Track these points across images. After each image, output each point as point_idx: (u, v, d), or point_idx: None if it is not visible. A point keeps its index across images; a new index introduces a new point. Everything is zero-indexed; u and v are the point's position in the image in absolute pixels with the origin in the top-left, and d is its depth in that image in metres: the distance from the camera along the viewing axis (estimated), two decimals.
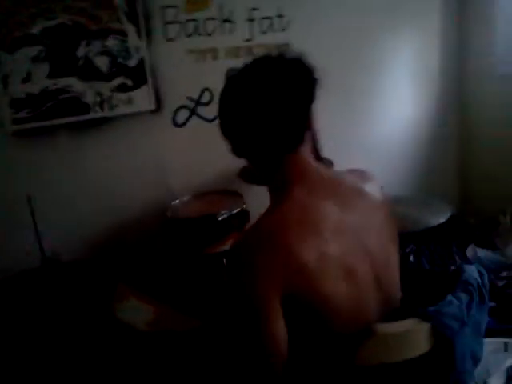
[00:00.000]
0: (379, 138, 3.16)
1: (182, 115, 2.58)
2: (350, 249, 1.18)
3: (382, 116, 3.18)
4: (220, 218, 2.17)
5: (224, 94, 1.29)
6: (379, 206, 1.31)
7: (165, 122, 2.54)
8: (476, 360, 1.31)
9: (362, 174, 1.38)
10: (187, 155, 2.57)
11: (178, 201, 2.42)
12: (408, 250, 2.71)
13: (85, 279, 1.83)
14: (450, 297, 1.24)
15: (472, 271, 1.35)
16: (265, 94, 1.20)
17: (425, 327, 1.15)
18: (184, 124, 2.59)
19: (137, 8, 2.38)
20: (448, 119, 3.36)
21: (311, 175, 1.24)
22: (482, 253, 2.98)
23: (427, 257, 2.76)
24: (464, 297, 1.25)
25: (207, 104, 2.61)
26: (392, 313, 1.26)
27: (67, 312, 1.72)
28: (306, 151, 1.27)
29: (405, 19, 3.07)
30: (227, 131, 1.28)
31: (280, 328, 1.09)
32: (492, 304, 2.37)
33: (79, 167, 2.34)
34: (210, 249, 2.18)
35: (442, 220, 2.34)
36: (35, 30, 2.20)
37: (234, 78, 1.27)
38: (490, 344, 1.97)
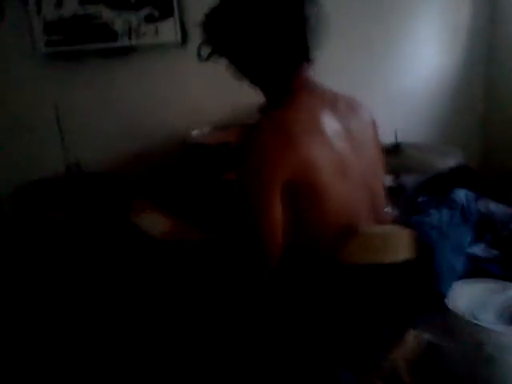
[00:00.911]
0: (402, 86, 3.17)
1: (207, 49, 2.64)
2: (345, 153, 1.29)
3: (406, 64, 3.18)
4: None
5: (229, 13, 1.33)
6: (370, 125, 1.44)
7: (190, 55, 2.59)
8: (455, 274, 1.40)
9: (354, 99, 1.47)
10: (210, 88, 2.66)
11: (198, 130, 2.53)
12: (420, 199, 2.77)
13: (105, 189, 1.96)
14: (432, 210, 1.33)
15: (460, 193, 1.43)
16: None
17: (405, 233, 1.25)
18: (208, 58, 2.66)
19: None
20: (474, 70, 3.33)
21: (313, 87, 1.33)
22: (494, 206, 3.00)
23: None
24: (446, 212, 1.34)
25: None
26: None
27: (87, 217, 1.86)
28: (307, 73, 1.35)
29: None
30: (235, 51, 1.35)
31: (278, 213, 1.21)
32: (496, 252, 2.43)
33: (106, 91, 2.47)
34: (226, 175, 2.29)
35: (451, 164, 2.38)
36: None
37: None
38: (488, 284, 2.05)
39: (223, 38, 1.38)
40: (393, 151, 2.45)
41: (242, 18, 1.30)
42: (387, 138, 2.45)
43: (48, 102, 2.09)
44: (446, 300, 1.71)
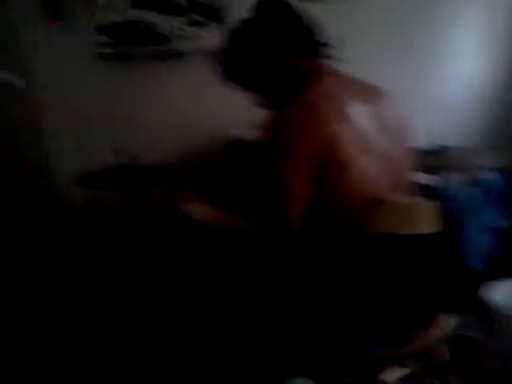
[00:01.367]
0: (443, 96, 3.19)
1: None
2: (369, 131, 1.41)
3: (446, 74, 3.21)
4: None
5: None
6: (395, 111, 1.54)
7: None
8: (482, 251, 1.40)
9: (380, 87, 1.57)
10: None
11: (239, 129, 2.64)
12: None
13: (154, 180, 2.08)
14: (457, 186, 1.35)
15: (490, 176, 1.44)
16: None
17: (431, 205, 1.28)
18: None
19: None
20: None
21: (337, 74, 1.46)
22: None
23: None
24: (472, 191, 1.36)
25: None
26: None
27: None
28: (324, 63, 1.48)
29: None
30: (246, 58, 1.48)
31: (306, 182, 1.34)
32: None
33: (154, 91, 2.62)
34: (265, 171, 2.38)
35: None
36: None
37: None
38: None
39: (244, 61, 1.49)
40: (435, 152, 2.49)
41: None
42: (429, 140, 2.49)
43: (102, 98, 2.23)
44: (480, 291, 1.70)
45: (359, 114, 1.41)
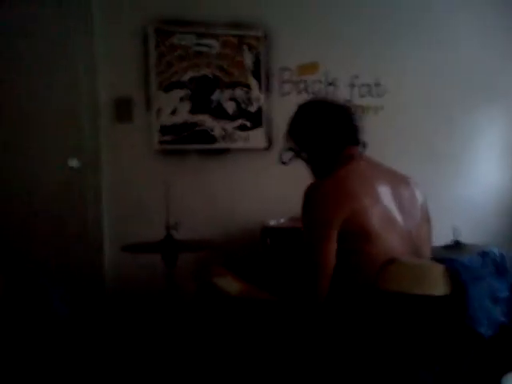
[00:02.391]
0: (464, 197, 3.46)
1: (288, 155, 3.14)
2: (394, 212, 1.63)
3: (469, 180, 3.51)
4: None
5: (302, 116, 1.84)
6: (419, 197, 1.76)
7: (273, 159, 3.10)
8: (492, 320, 1.57)
9: (406, 175, 1.82)
10: (288, 187, 3.09)
11: (275, 220, 2.94)
12: None
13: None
14: (465, 254, 1.56)
15: (494, 250, 1.65)
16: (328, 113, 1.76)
17: (441, 267, 1.47)
18: (288, 162, 3.14)
19: (261, 69, 3.10)
20: None
21: (366, 158, 1.72)
22: None
23: None
24: (478, 258, 1.56)
25: None
26: None
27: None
28: (358, 151, 1.76)
29: (499, 93, 3.52)
30: (301, 140, 1.82)
31: (332, 250, 1.54)
32: None
33: (203, 182, 3.03)
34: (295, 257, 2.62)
35: None
36: (185, 78, 2.99)
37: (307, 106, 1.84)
38: None
39: (299, 135, 1.83)
40: (452, 247, 2.70)
41: (309, 119, 1.79)
42: (447, 237, 2.72)
43: (158, 184, 2.59)
44: None
45: (385, 194, 1.63)
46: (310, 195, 1.62)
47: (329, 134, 1.73)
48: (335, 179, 1.62)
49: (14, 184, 2.78)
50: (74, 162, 2.83)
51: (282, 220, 2.99)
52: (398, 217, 1.64)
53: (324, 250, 1.55)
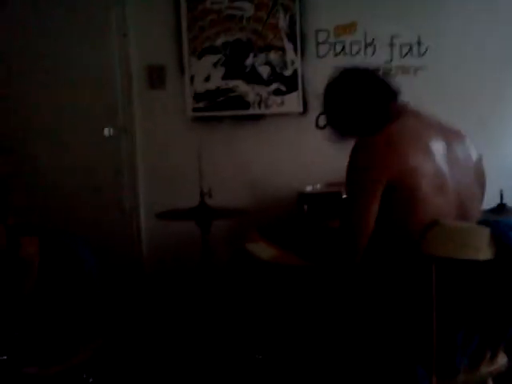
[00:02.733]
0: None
1: (324, 119, 3.06)
2: (445, 171, 1.53)
3: None
4: (344, 196, 2.55)
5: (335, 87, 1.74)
6: (473, 154, 1.66)
7: (309, 123, 3.05)
8: None
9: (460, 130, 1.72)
10: (324, 153, 3.02)
11: (311, 186, 2.88)
12: None
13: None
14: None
15: None
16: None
17: (485, 231, 1.40)
18: (324, 127, 3.06)
19: (296, 31, 2.99)
20: None
21: (416, 112, 1.64)
22: None
23: None
24: None
25: None
26: None
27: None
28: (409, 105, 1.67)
29: None
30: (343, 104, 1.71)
31: (375, 206, 1.48)
32: None
33: (237, 148, 2.99)
34: (333, 223, 2.57)
35: None
36: (218, 42, 2.93)
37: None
38: None
39: (336, 99, 1.75)
40: (498, 211, 2.58)
41: (347, 82, 1.71)
42: (494, 200, 2.60)
43: (192, 151, 2.57)
44: None
45: (438, 151, 1.53)
46: (358, 151, 1.54)
47: (372, 91, 1.65)
48: (385, 136, 1.52)
49: (49, 153, 2.82)
50: (108, 131, 2.84)
51: (319, 186, 2.93)
52: (449, 177, 1.54)
53: (366, 209, 1.48)
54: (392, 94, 1.68)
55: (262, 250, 2.30)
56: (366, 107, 1.65)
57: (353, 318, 1.61)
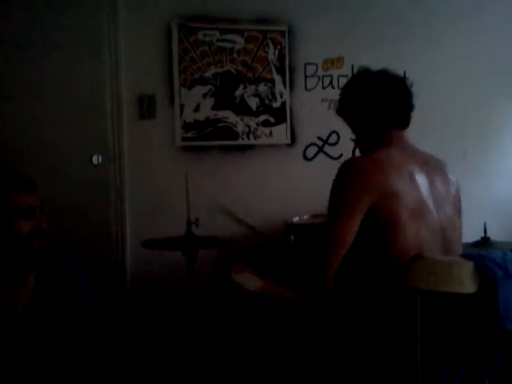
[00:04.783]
0: (497, 197, 3.35)
1: (311, 151, 3.12)
2: (426, 200, 1.56)
3: (495, 175, 3.40)
4: None
5: (354, 84, 1.79)
6: (453, 186, 1.70)
7: (297, 155, 3.10)
8: None
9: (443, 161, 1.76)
10: (311, 184, 3.05)
11: (298, 217, 2.89)
12: None
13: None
14: (495, 251, 1.49)
15: None
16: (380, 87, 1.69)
17: (468, 265, 1.41)
18: (312, 159, 3.12)
19: (285, 64, 3.07)
20: None
21: (406, 145, 1.68)
22: None
23: None
24: (509, 255, 1.48)
25: (334, 144, 3.14)
26: None
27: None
28: (401, 134, 1.70)
29: None
30: (349, 112, 1.75)
31: (354, 227, 1.48)
32: None
33: (225, 178, 3.00)
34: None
35: None
36: (208, 73, 2.98)
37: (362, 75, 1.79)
38: None
39: (351, 105, 1.76)
40: (481, 244, 2.61)
41: (362, 95, 1.71)
42: (476, 234, 2.63)
43: (180, 180, 2.58)
44: None
45: (419, 183, 1.57)
46: (343, 169, 1.56)
47: (377, 113, 1.67)
48: (371, 159, 1.57)
49: (37, 180, 2.80)
50: (97, 159, 2.84)
51: (306, 217, 2.94)
52: (431, 207, 1.57)
53: (343, 225, 1.48)
54: (399, 121, 1.70)
55: (248, 280, 2.29)
56: (375, 112, 1.67)
57: (335, 350, 1.60)
